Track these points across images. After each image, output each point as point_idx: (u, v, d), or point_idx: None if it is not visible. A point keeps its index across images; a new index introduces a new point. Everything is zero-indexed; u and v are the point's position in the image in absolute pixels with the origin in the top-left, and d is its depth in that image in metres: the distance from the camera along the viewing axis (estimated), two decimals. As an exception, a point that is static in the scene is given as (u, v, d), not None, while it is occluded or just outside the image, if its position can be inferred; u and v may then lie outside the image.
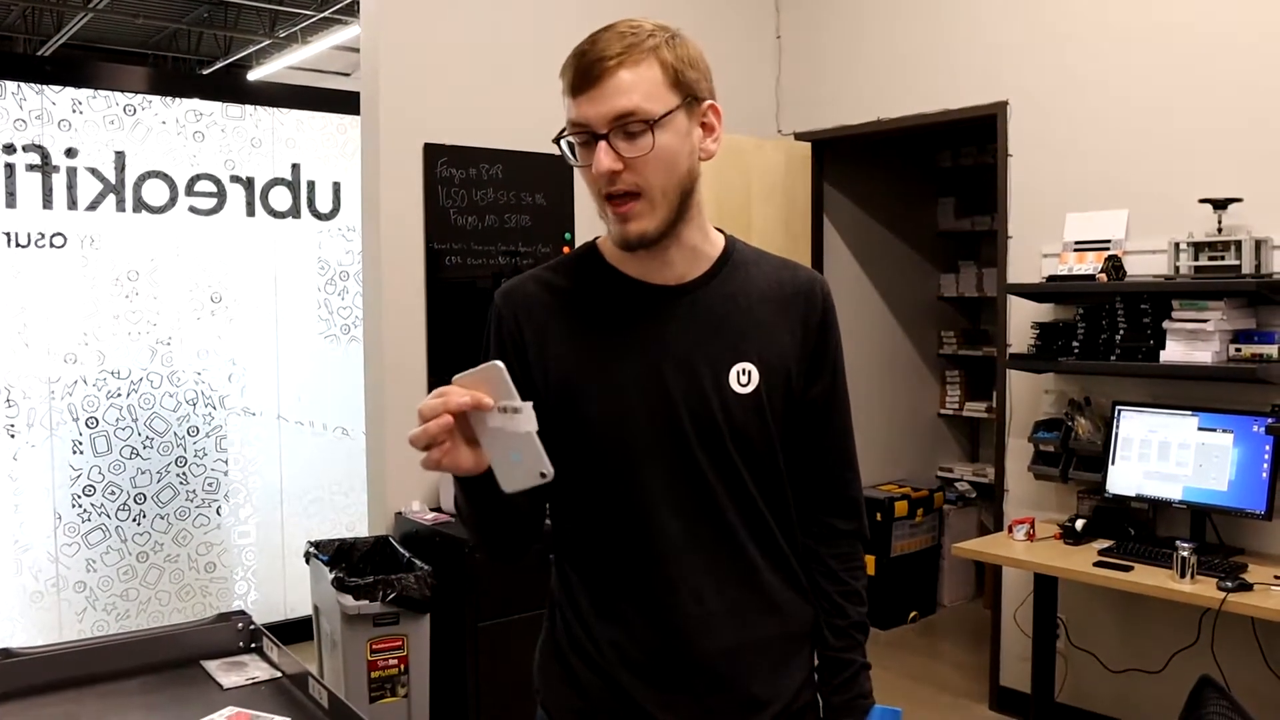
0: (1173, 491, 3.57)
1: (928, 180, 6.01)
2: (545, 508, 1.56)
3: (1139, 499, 3.69)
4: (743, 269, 1.54)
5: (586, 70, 1.37)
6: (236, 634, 2.14)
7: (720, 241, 1.55)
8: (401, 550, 3.63)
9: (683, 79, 1.40)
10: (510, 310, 1.52)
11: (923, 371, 5.94)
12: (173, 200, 4.61)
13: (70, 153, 4.36)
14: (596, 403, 1.46)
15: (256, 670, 2.01)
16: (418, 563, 3.48)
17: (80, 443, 4.45)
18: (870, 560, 5.26)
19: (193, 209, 4.66)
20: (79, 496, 4.45)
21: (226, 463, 4.80)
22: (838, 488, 1.61)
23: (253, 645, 2.14)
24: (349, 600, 3.24)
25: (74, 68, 4.80)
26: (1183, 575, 3.21)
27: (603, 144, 1.36)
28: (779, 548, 1.53)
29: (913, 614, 5.43)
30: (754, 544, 1.50)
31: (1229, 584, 3.10)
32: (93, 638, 2.06)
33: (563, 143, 1.43)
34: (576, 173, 4.95)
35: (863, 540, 1.64)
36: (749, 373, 1.48)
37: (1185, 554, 3.22)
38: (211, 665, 2.04)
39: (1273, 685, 3.41)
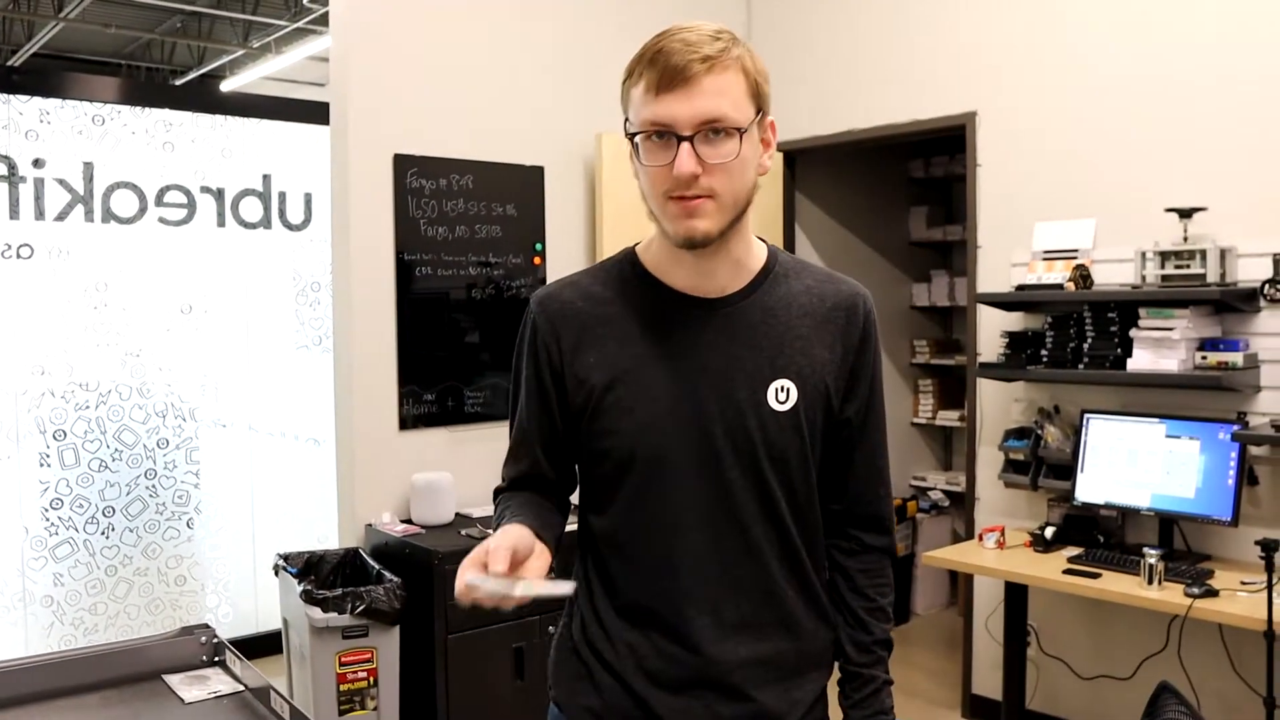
0: (1141, 499, 3.60)
1: (900, 190, 6.04)
2: (574, 473, 1.62)
3: (1108, 506, 3.71)
4: (784, 282, 1.52)
5: (677, 70, 1.33)
6: (200, 647, 2.12)
7: (763, 254, 1.53)
8: (371, 562, 3.61)
9: (759, 91, 1.40)
10: (545, 317, 1.52)
11: (896, 380, 5.96)
12: (142, 211, 4.58)
13: (38, 163, 4.32)
14: (630, 413, 1.46)
15: (219, 684, 2.00)
16: (387, 575, 3.46)
17: (48, 455, 4.40)
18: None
19: (162, 220, 4.63)
20: (46, 510, 4.41)
21: (197, 475, 4.76)
22: (869, 503, 1.60)
23: (216, 659, 2.12)
24: (317, 613, 3.22)
25: (42, 77, 4.76)
26: (1150, 582, 3.23)
27: (686, 146, 1.34)
28: (803, 568, 1.52)
29: (887, 622, 5.44)
30: (778, 562, 1.49)
31: (1196, 590, 3.12)
32: (52, 652, 2.03)
33: (638, 140, 1.39)
34: (547, 180, 4.77)
35: (891, 556, 1.62)
36: (788, 390, 1.47)
37: (1153, 561, 3.24)
38: (174, 679, 2.02)
39: (1240, 690, 3.44)
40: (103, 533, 4.55)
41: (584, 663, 1.54)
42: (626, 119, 1.43)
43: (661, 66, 1.34)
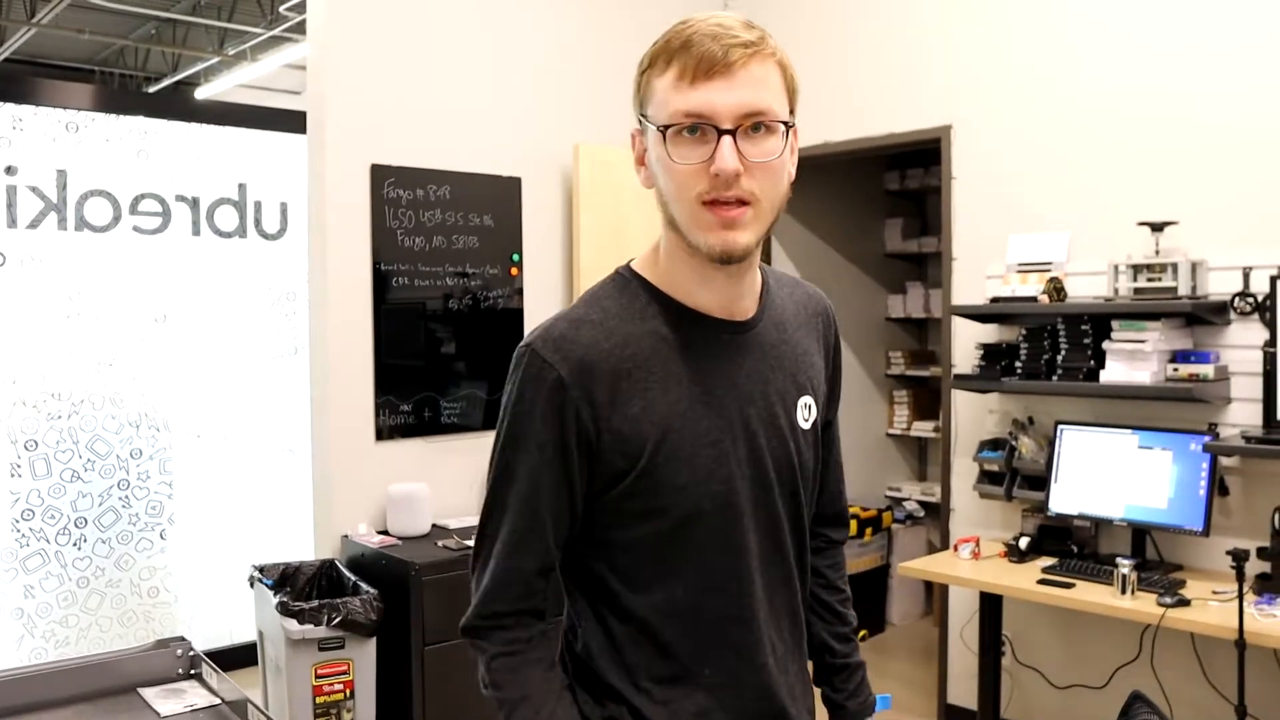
0: (1114, 509, 3.63)
1: (875, 202, 6.08)
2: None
3: (1081, 517, 3.74)
4: (777, 293, 1.43)
5: (716, 56, 1.18)
6: (175, 660, 2.11)
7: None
8: (348, 574, 3.59)
9: (793, 90, 1.27)
10: (570, 368, 1.26)
11: (871, 392, 5.99)
12: (116, 219, 4.54)
13: (10, 170, 4.28)
14: (690, 463, 1.29)
15: (195, 697, 1.99)
16: (364, 586, 3.45)
17: (19, 466, 4.35)
18: (820, 579, 5.29)
19: (136, 228, 4.60)
20: (17, 521, 4.35)
21: (170, 485, 4.72)
22: (837, 500, 1.62)
23: (192, 672, 2.11)
24: (294, 625, 3.20)
25: (15, 83, 4.72)
26: (1123, 592, 3.26)
27: (727, 140, 1.18)
28: (805, 577, 1.47)
29: (862, 633, 5.46)
30: (799, 582, 1.43)
31: (1168, 600, 3.15)
32: (25, 666, 2.01)
33: (667, 134, 1.21)
34: (524, 190, 4.74)
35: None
36: (809, 406, 1.40)
37: (1125, 571, 3.27)
38: (149, 693, 2.00)
39: (1212, 699, 3.47)
40: (74, 544, 4.50)
41: None
42: (643, 114, 1.27)
43: (698, 52, 1.19)
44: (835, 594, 1.60)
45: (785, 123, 1.22)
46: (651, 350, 1.29)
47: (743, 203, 1.21)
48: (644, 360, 1.28)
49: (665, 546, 1.31)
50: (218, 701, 1.96)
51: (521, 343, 1.31)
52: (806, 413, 1.39)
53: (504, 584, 1.31)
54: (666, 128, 1.21)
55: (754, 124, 1.20)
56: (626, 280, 1.35)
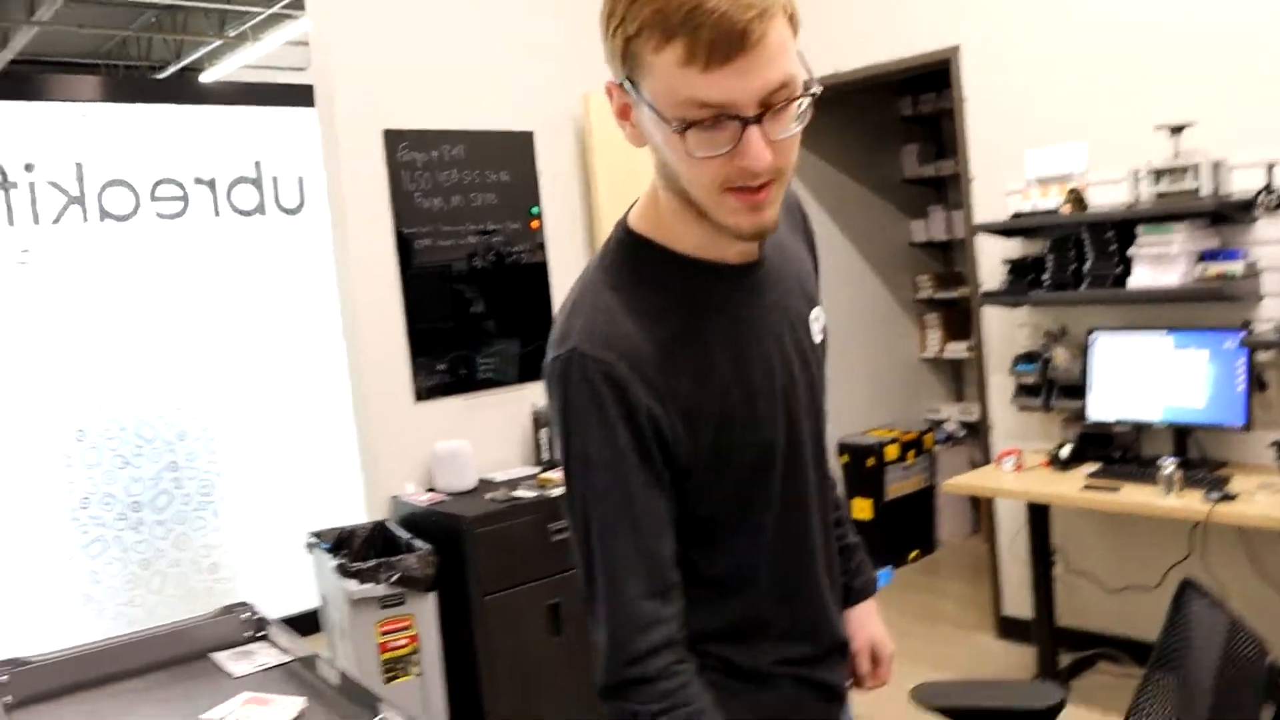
0: (1153, 412, 3.63)
1: (890, 128, 6.02)
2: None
3: (1120, 423, 3.74)
4: None
5: (734, 34, 1.00)
6: (242, 624, 2.17)
7: None
8: (400, 532, 3.66)
9: (798, 28, 1.08)
10: (627, 361, 1.14)
11: (900, 318, 5.98)
12: (136, 207, 4.59)
13: (29, 168, 4.33)
14: (756, 415, 1.23)
15: (266, 657, 2.05)
16: (417, 543, 3.51)
17: (70, 456, 4.45)
18: (867, 504, 5.33)
19: (159, 214, 4.65)
20: (75, 510, 4.46)
21: (218, 463, 4.81)
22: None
23: (260, 634, 2.17)
24: (353, 585, 3.28)
25: (24, 81, 4.76)
26: (1169, 491, 3.27)
27: (756, 132, 1.05)
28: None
29: (913, 553, 5.51)
30: (822, 498, 1.39)
31: (1214, 496, 3.16)
32: (101, 640, 2.08)
33: (687, 132, 1.06)
34: (537, 144, 4.68)
35: None
36: (819, 318, 1.35)
37: (1169, 470, 3.28)
38: (221, 656, 2.07)
39: (1264, 591, 3.48)
40: (133, 528, 4.61)
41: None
42: (631, 81, 1.09)
43: (711, 30, 1.00)
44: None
45: (806, 84, 1.07)
46: (688, 315, 1.20)
47: (770, 182, 1.10)
48: (682, 330, 1.19)
49: (742, 505, 1.26)
50: (288, 658, 2.02)
51: (554, 351, 1.17)
52: (818, 326, 1.35)
53: (631, 619, 1.16)
54: (680, 122, 1.05)
55: (777, 100, 1.05)
56: (634, 245, 1.23)
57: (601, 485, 1.15)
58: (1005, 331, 4.23)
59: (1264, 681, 1.28)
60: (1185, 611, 1.59)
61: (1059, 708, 1.57)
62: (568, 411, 1.16)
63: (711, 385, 1.20)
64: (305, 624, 4.43)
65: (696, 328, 1.20)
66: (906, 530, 5.49)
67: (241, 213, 4.87)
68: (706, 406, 1.19)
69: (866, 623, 1.55)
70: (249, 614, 2.19)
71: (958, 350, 5.84)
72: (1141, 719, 1.52)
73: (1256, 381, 3.48)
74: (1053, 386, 3.97)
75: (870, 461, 5.28)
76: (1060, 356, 3.94)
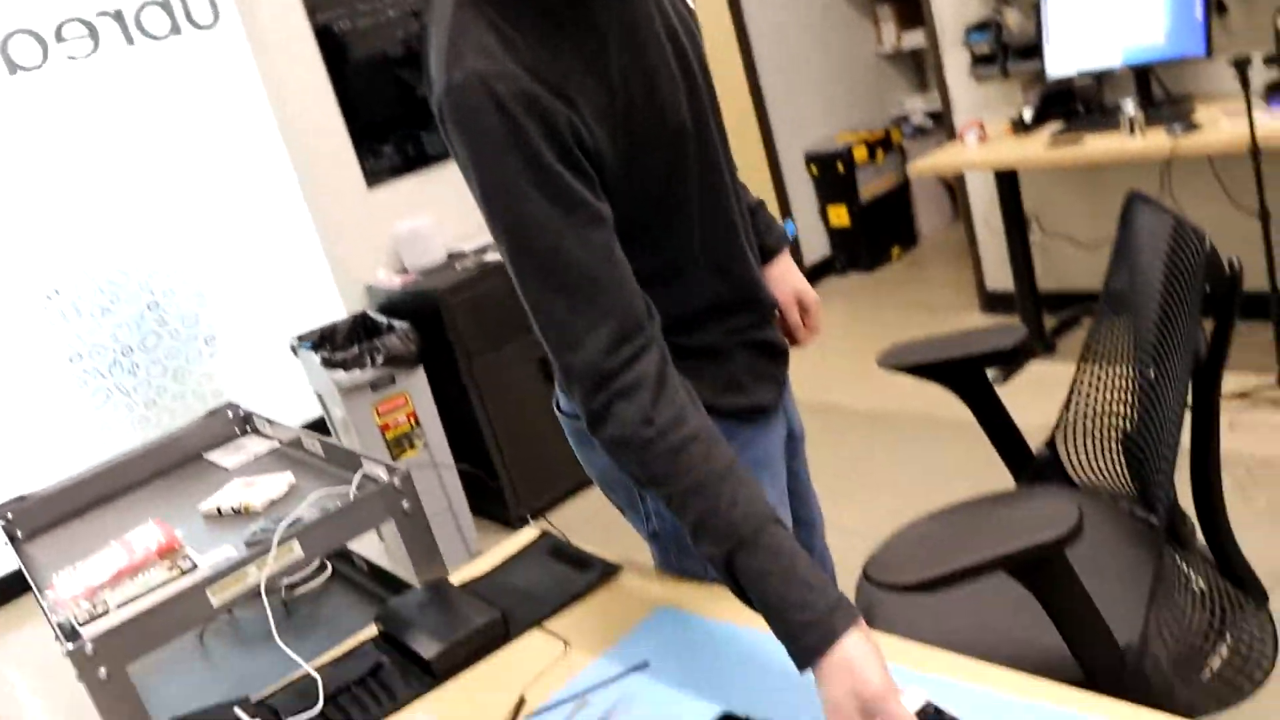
0: (1112, 58, 3.53)
1: None
2: None
3: (1081, 75, 3.65)
4: None
5: None
6: (229, 422, 2.22)
7: None
8: (380, 318, 3.68)
9: None
10: (531, 77, 1.09)
11: (849, 12, 5.76)
12: (46, 54, 4.38)
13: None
14: (660, 110, 1.21)
15: (256, 447, 2.10)
16: (396, 323, 3.53)
17: (48, 316, 4.44)
18: (842, 210, 5.32)
19: (69, 57, 4.43)
20: (70, 362, 4.49)
21: (197, 292, 4.79)
22: None
23: (247, 428, 2.22)
24: (340, 375, 3.32)
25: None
26: (1131, 133, 3.23)
27: None
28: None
29: (895, 250, 5.53)
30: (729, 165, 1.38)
31: (1177, 129, 3.12)
32: (103, 460, 2.13)
33: None
34: None
35: None
36: None
37: (1130, 112, 3.23)
38: (214, 454, 2.12)
39: (1238, 219, 3.48)
40: (129, 372, 4.64)
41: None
42: None
43: None
44: None
45: None
46: (567, 9, 1.14)
47: None
48: (571, 26, 1.14)
49: (665, 194, 1.25)
50: (276, 444, 2.07)
51: (447, 79, 1.08)
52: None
53: (602, 325, 1.12)
54: None
55: None
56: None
57: (535, 204, 1.09)
58: (956, 5, 4.08)
59: (1203, 264, 1.30)
60: (1132, 224, 1.60)
61: (1027, 346, 1.60)
62: (480, 136, 1.08)
63: (611, 77, 1.16)
64: (320, 429, 4.55)
65: (582, 19, 1.15)
66: (886, 230, 5.49)
67: (155, 38, 4.64)
68: (612, 101, 1.16)
69: (787, 275, 1.56)
70: (234, 411, 2.23)
71: (915, 39, 5.65)
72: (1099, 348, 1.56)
73: (1215, 5, 3.36)
74: (1008, 50, 3.87)
75: (840, 167, 5.22)
76: (1012, 19, 3.81)
